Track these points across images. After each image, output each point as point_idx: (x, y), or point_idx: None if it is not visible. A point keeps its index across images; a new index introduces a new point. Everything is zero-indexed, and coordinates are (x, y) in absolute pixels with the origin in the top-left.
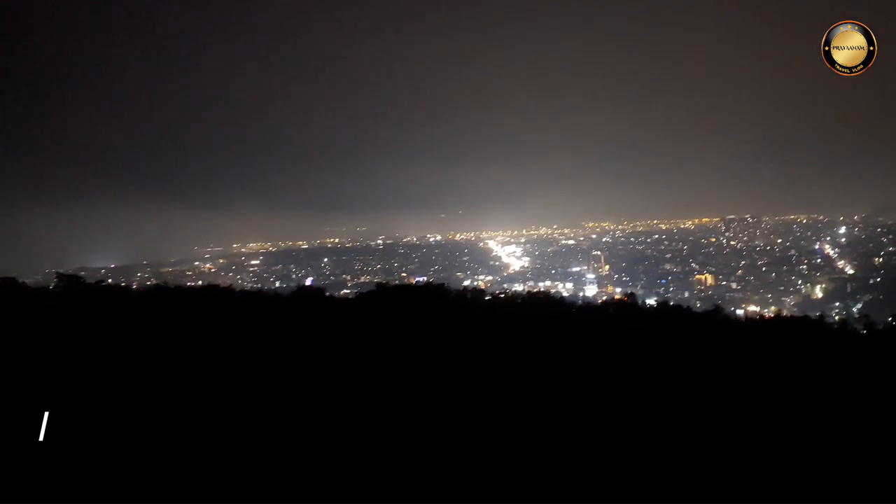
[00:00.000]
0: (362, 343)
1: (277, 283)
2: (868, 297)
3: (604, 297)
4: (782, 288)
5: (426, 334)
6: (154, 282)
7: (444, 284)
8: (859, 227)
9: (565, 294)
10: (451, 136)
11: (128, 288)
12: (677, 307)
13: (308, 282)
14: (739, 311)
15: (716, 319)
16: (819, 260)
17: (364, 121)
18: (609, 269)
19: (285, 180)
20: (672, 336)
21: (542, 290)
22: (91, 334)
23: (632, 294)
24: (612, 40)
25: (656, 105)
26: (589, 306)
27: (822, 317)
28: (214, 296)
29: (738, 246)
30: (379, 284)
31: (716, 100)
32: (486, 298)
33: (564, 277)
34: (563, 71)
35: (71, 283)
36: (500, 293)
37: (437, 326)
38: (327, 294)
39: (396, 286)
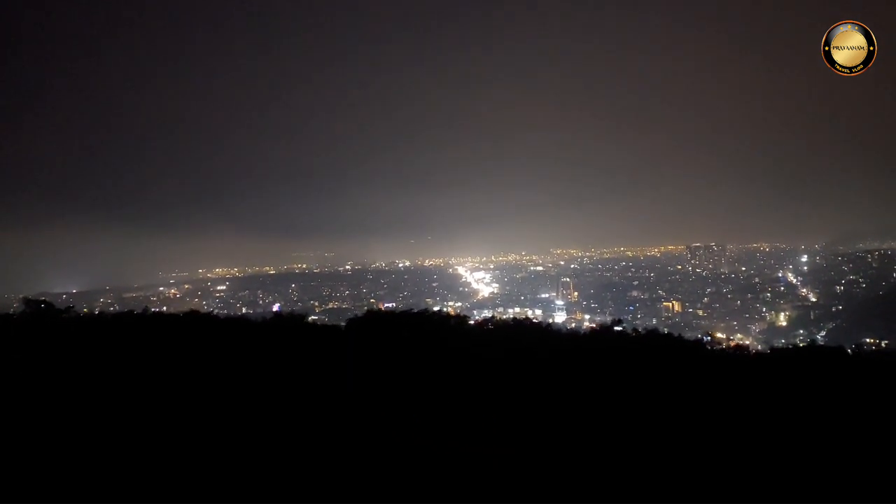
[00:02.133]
0: (369, 360)
1: (244, 309)
2: (831, 324)
3: (586, 325)
4: (748, 315)
5: (425, 355)
6: (117, 308)
7: (441, 310)
8: (820, 256)
9: (535, 321)
10: (421, 162)
11: (102, 314)
12: (668, 335)
13: (275, 308)
14: (706, 338)
15: (707, 347)
16: (782, 288)
17: (333, 145)
18: (578, 295)
19: (252, 205)
20: (669, 363)
21: (526, 317)
22: (75, 367)
23: (619, 321)
24: (585, 69)
25: (624, 134)
26: (576, 333)
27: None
28: (196, 322)
29: (704, 273)
30: (370, 310)
31: (683, 129)
32: (472, 324)
33: (534, 303)
34: (532, 97)
35: (39, 309)
36: (488, 321)
37: (435, 348)
38: (309, 320)
39: (387, 311)
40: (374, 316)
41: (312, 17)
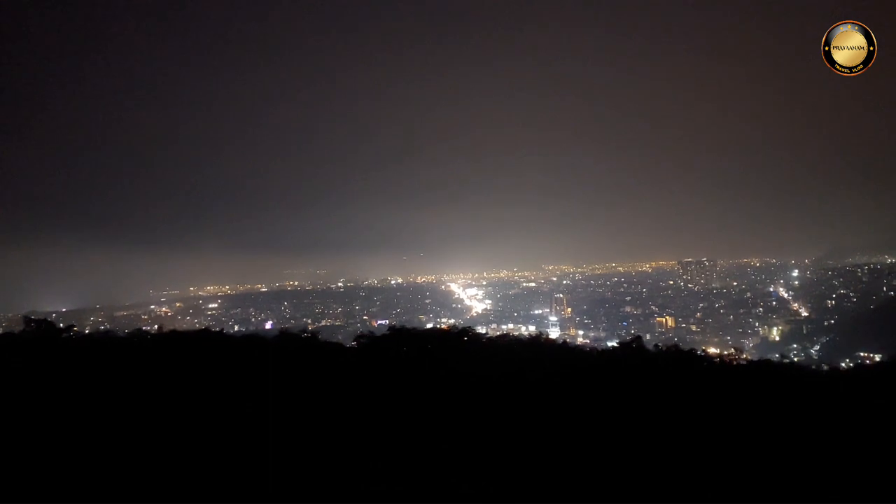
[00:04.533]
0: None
1: (236, 327)
2: (825, 338)
3: (579, 341)
4: (741, 330)
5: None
6: (108, 326)
7: (470, 328)
8: (810, 271)
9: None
10: (413, 179)
11: (109, 333)
12: (690, 351)
13: (268, 325)
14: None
15: (730, 363)
16: (774, 302)
17: (324, 162)
18: (571, 311)
19: (243, 222)
20: (705, 378)
21: (540, 333)
22: (104, 392)
23: (638, 338)
24: (576, 85)
25: (614, 150)
26: (595, 350)
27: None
28: (209, 340)
29: (696, 288)
30: (392, 328)
31: (672, 145)
32: (486, 339)
33: (527, 320)
34: (523, 115)
35: (39, 329)
36: (503, 336)
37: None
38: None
39: (413, 329)
40: (398, 332)
41: (305, 36)
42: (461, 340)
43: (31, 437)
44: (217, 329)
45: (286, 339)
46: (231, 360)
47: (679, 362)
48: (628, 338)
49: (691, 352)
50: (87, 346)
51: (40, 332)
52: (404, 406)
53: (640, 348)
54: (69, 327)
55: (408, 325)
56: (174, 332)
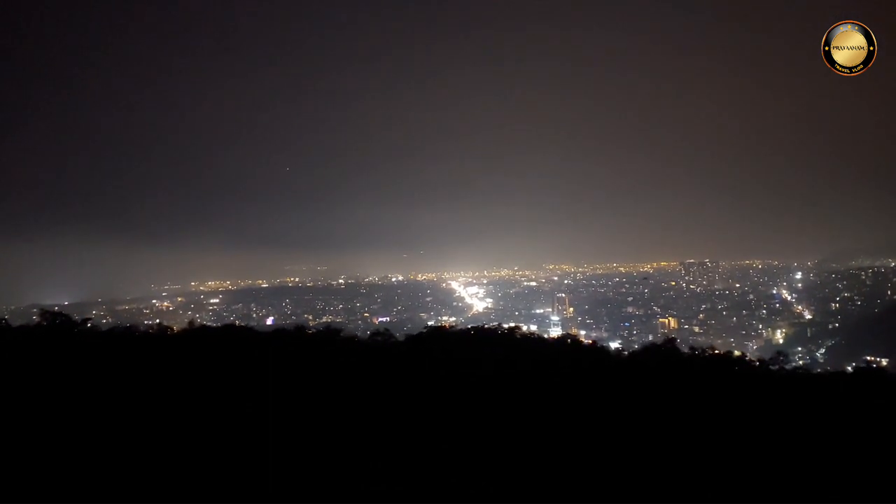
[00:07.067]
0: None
1: (238, 323)
2: (830, 342)
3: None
4: (744, 332)
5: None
6: (110, 319)
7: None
8: (814, 273)
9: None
10: (413, 177)
11: (130, 328)
12: (728, 355)
13: (269, 321)
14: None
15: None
16: (777, 304)
17: (325, 159)
18: (573, 311)
19: (244, 218)
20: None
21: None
22: (139, 390)
23: (672, 339)
24: (577, 84)
25: (615, 149)
26: (622, 353)
27: None
28: (236, 335)
29: (698, 290)
30: (429, 327)
31: (673, 145)
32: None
33: (528, 319)
34: (524, 113)
35: (56, 321)
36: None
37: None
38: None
39: (452, 329)
40: (436, 332)
41: (306, 33)
42: (485, 338)
43: (64, 433)
44: (219, 324)
45: (306, 336)
46: (256, 357)
47: (716, 366)
48: (660, 339)
49: (728, 356)
50: (108, 341)
51: (56, 325)
52: (439, 408)
53: (674, 350)
54: (85, 321)
55: (426, 324)
56: (204, 328)
